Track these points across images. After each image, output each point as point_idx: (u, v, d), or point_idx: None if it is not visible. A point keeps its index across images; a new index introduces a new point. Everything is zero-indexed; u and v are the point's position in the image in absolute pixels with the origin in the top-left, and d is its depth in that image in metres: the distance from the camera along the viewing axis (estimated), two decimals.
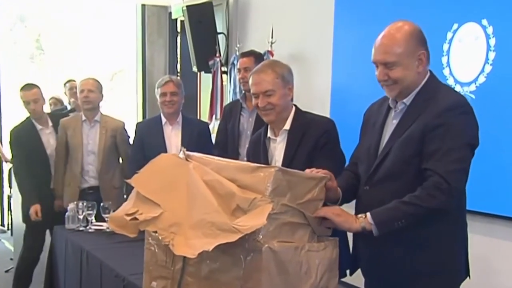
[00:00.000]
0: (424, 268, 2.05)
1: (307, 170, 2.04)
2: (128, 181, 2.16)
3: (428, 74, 2.13)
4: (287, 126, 2.65)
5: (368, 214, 1.99)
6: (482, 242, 3.37)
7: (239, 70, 4.07)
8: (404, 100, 2.12)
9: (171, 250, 1.93)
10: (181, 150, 2.16)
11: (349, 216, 2.01)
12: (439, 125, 1.97)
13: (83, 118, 4.38)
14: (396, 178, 2.04)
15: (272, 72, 2.56)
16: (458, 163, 1.95)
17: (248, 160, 2.86)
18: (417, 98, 2.09)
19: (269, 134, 2.71)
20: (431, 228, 2.03)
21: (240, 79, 4.04)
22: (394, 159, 2.06)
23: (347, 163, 2.61)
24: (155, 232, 1.98)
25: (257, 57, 4.07)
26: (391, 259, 2.10)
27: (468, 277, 2.17)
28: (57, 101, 6.74)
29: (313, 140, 2.60)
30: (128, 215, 2.03)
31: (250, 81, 2.62)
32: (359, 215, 2.02)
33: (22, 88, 4.42)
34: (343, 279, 2.64)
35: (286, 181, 1.83)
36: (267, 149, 2.70)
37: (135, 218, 2.00)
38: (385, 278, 2.16)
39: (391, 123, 2.15)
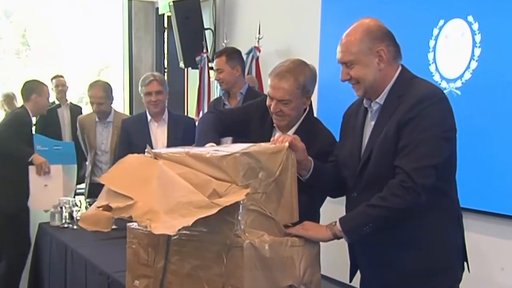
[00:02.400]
0: (418, 268, 2.03)
1: (272, 140, 2.05)
2: (97, 179, 2.12)
3: (399, 69, 2.09)
4: (290, 132, 2.53)
5: (338, 222, 1.97)
6: (477, 240, 3.39)
7: (214, 70, 4.03)
8: (378, 100, 2.08)
9: (152, 249, 1.92)
10: (146, 150, 2.11)
11: (319, 228, 2.01)
12: (409, 120, 1.94)
13: (96, 119, 4.46)
14: (382, 181, 1.99)
15: (294, 81, 2.40)
16: (425, 159, 1.90)
17: (250, 120, 2.68)
18: (390, 96, 2.05)
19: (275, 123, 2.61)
20: (421, 227, 2.00)
21: (216, 80, 4.00)
22: (376, 162, 2.03)
23: None
24: (130, 217, 1.92)
25: (230, 54, 3.98)
26: (386, 260, 2.08)
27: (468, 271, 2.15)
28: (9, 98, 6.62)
29: (311, 155, 2.49)
30: (99, 207, 1.99)
31: (269, 81, 2.48)
32: (330, 223, 2.00)
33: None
34: (328, 275, 2.64)
35: (254, 162, 1.83)
36: (271, 134, 2.59)
37: (109, 207, 1.95)
38: (382, 279, 2.13)
39: (369, 125, 2.12)
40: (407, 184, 1.89)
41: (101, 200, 2.04)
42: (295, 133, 2.52)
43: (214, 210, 1.70)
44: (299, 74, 2.42)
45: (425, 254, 2.02)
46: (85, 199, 3.84)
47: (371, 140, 2.08)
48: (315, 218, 2.53)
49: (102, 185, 4.24)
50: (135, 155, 2.14)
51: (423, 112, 1.93)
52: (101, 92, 4.37)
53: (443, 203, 2.02)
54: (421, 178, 1.89)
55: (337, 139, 2.53)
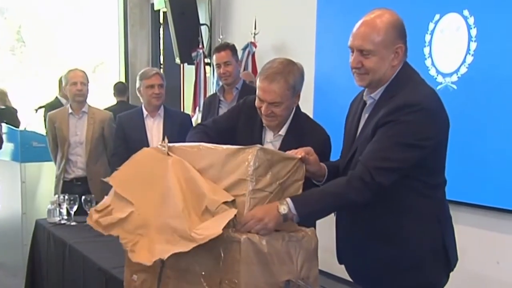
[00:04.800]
0: (391, 263, 2.04)
1: (290, 151, 2.05)
2: (106, 179, 2.15)
3: (400, 67, 2.05)
4: (282, 131, 2.53)
5: (290, 203, 1.90)
6: (472, 234, 3.40)
7: (218, 65, 3.97)
8: (373, 95, 2.07)
9: None
10: (162, 142, 2.12)
11: (268, 215, 1.86)
12: (384, 123, 1.94)
13: (70, 110, 4.36)
14: None
15: (285, 83, 2.37)
16: (388, 161, 1.90)
17: (235, 126, 2.66)
18: (384, 94, 2.04)
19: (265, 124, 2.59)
20: (394, 224, 2.02)
21: (222, 74, 3.96)
22: (358, 157, 2.02)
23: None
24: (117, 236, 1.98)
25: (233, 49, 4.02)
26: (365, 253, 2.10)
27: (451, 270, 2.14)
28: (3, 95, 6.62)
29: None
30: (97, 211, 2.06)
31: (259, 83, 2.44)
32: (280, 204, 1.90)
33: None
34: (327, 270, 2.64)
35: (267, 160, 1.85)
36: (261, 135, 2.59)
37: (98, 223, 2.03)
38: (363, 272, 2.15)
39: (364, 118, 2.12)
40: (367, 179, 1.89)
41: (105, 201, 2.10)
42: (286, 132, 2.53)
43: (189, 247, 1.76)
44: (289, 75, 2.39)
45: (398, 250, 2.03)
46: (56, 196, 3.80)
47: (360, 134, 2.10)
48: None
49: (77, 182, 4.28)
50: (149, 149, 2.16)
51: (400, 118, 1.92)
52: (82, 73, 4.33)
53: (420, 204, 2.02)
54: (380, 177, 1.89)
55: (330, 139, 2.55)
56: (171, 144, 2.11)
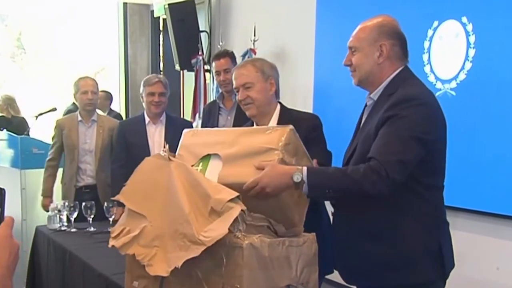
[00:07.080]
0: (391, 261, 2.05)
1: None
2: (115, 198, 2.16)
3: (400, 68, 2.12)
4: (273, 123, 2.63)
5: (305, 170, 1.95)
6: (472, 240, 3.41)
7: (218, 72, 3.99)
8: (372, 95, 2.14)
9: None
10: (162, 149, 2.14)
11: (279, 179, 1.92)
12: (387, 118, 1.98)
13: (79, 118, 4.35)
14: None
15: (252, 66, 2.62)
16: (397, 154, 1.94)
17: None
18: (383, 93, 2.10)
19: (247, 114, 2.70)
20: (391, 223, 2.04)
21: (221, 81, 3.97)
22: (358, 155, 2.08)
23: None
24: (133, 255, 2.00)
25: (232, 56, 4.05)
26: (361, 251, 2.11)
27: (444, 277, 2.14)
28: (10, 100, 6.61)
29: (302, 136, 2.55)
30: (113, 238, 2.07)
31: (233, 77, 2.67)
32: (297, 168, 1.96)
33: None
34: (327, 276, 2.65)
35: (295, 144, 1.97)
36: None
37: (115, 246, 2.05)
38: (358, 270, 2.16)
39: (364, 118, 2.19)
40: (382, 173, 1.92)
41: (120, 222, 2.12)
42: (277, 122, 2.63)
43: (199, 251, 1.78)
44: (255, 61, 2.69)
45: (394, 249, 2.04)
46: (57, 203, 3.82)
47: (359, 135, 2.15)
48: (323, 215, 2.67)
49: (86, 189, 4.26)
50: (151, 157, 2.18)
51: (400, 112, 1.97)
52: (93, 82, 4.34)
53: (417, 205, 2.04)
54: (393, 173, 1.92)
55: (320, 119, 2.73)
56: (199, 130, 2.19)
